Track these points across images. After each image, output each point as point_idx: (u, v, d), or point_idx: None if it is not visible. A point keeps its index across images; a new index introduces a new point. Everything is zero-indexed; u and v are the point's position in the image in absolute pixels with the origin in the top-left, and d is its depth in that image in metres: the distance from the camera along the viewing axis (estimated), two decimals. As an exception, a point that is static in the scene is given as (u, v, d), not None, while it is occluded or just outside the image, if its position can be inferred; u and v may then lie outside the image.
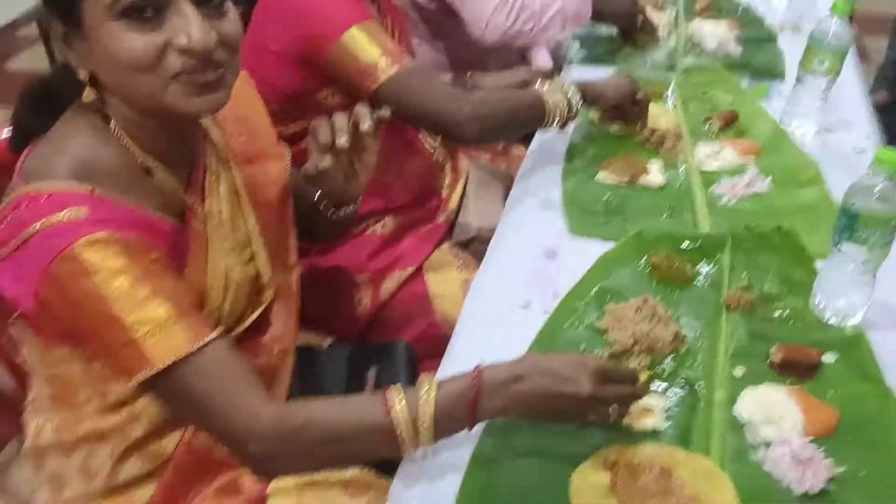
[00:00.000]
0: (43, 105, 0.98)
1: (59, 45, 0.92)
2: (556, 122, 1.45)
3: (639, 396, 0.98)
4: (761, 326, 1.15)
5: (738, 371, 1.08)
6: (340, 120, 1.04)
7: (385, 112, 1.06)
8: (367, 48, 1.33)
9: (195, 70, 0.89)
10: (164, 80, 0.89)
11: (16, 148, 0.98)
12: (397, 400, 0.89)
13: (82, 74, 0.92)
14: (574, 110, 1.46)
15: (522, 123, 1.49)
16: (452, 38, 2.00)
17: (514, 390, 0.91)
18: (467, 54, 2.03)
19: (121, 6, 0.85)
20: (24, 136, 0.98)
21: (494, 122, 1.42)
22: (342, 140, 1.03)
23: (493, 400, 0.91)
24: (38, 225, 0.85)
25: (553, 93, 1.44)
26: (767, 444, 0.97)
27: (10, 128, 1.00)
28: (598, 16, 1.95)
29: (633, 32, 2.02)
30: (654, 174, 1.49)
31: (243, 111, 1.15)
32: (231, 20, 0.93)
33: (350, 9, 1.35)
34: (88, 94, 0.93)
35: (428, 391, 0.90)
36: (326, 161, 1.06)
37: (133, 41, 0.86)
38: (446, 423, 0.91)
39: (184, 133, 1.01)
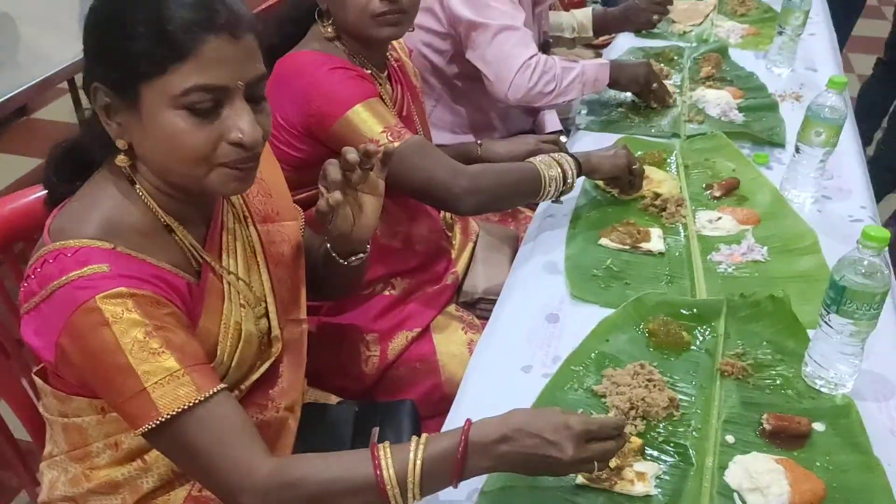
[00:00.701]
0: (71, 168, 1.05)
1: (100, 112, 0.98)
2: (551, 194, 1.50)
3: (620, 447, 0.99)
4: (753, 394, 1.18)
5: (730, 438, 1.11)
6: (349, 150, 1.10)
7: (392, 145, 1.11)
8: (370, 124, 1.39)
9: (241, 161, 0.97)
10: (210, 167, 0.97)
11: (50, 208, 1.04)
12: (385, 456, 0.93)
13: (120, 144, 0.99)
14: (570, 182, 1.51)
15: (518, 196, 1.55)
16: (471, 101, 2.07)
17: (500, 450, 0.94)
18: (483, 118, 2.11)
19: (186, 100, 0.92)
20: (56, 196, 1.05)
21: (490, 195, 1.47)
22: (351, 155, 1.08)
23: (480, 460, 0.94)
24: (63, 279, 0.92)
25: (549, 166, 1.49)
26: (755, 513, 1.00)
27: (44, 189, 1.07)
28: (614, 83, 2.00)
29: (647, 98, 2.07)
30: (655, 241, 1.53)
31: (262, 174, 1.21)
32: (267, 113, 1.01)
33: (356, 87, 1.41)
34: (122, 160, 1.00)
35: (416, 449, 0.93)
36: (337, 195, 1.09)
37: (191, 133, 0.94)
38: (434, 480, 0.94)
39: (202, 198, 1.07)
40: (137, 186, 1.02)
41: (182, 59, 0.92)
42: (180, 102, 0.93)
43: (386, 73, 1.57)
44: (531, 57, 1.87)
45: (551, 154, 1.52)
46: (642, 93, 2.06)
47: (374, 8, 1.42)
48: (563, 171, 1.50)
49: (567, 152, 1.57)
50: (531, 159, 1.50)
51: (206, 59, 0.92)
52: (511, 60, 1.87)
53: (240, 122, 0.95)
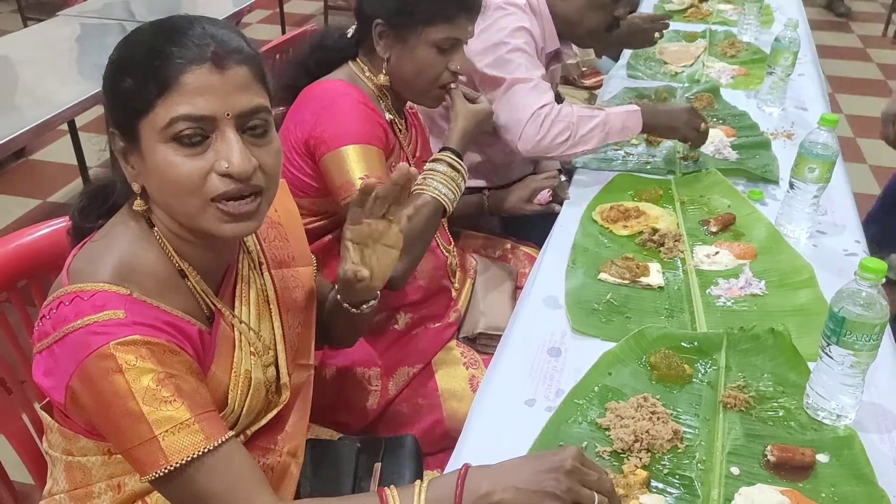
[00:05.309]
0: (98, 207, 1.07)
1: (119, 158, 1.01)
2: (455, 200, 1.54)
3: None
4: (756, 426, 1.19)
5: (735, 470, 1.11)
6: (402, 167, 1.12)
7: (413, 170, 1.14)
8: (353, 168, 1.41)
9: (233, 195, 0.96)
10: (204, 202, 0.96)
11: (73, 240, 1.06)
12: (393, 496, 0.94)
13: (135, 187, 1.00)
14: (461, 178, 1.54)
15: (434, 227, 1.54)
16: (478, 145, 2.09)
17: (494, 500, 0.93)
18: (489, 162, 2.13)
19: (172, 131, 0.93)
20: (80, 230, 1.06)
21: (414, 250, 1.47)
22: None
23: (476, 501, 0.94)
24: (77, 322, 0.92)
25: (439, 185, 1.51)
26: (762, 544, 1.00)
27: (70, 222, 1.09)
28: (650, 131, 1.94)
29: (695, 144, 1.96)
30: (654, 275, 1.55)
31: (279, 218, 1.23)
32: (272, 149, 1.01)
33: (360, 128, 1.44)
34: (139, 204, 1.01)
35: (419, 493, 0.94)
36: (364, 272, 1.12)
37: (181, 165, 0.94)
38: None
39: (219, 244, 1.07)
40: (156, 229, 1.02)
41: (166, 92, 0.92)
42: (168, 134, 0.93)
43: (404, 119, 1.61)
44: (542, 106, 1.81)
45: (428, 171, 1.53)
46: (694, 142, 1.96)
47: (443, 79, 1.53)
48: (451, 180, 1.51)
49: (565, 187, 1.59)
50: (421, 188, 1.51)
51: (189, 90, 0.93)
52: (521, 111, 1.82)
53: (228, 152, 0.94)
